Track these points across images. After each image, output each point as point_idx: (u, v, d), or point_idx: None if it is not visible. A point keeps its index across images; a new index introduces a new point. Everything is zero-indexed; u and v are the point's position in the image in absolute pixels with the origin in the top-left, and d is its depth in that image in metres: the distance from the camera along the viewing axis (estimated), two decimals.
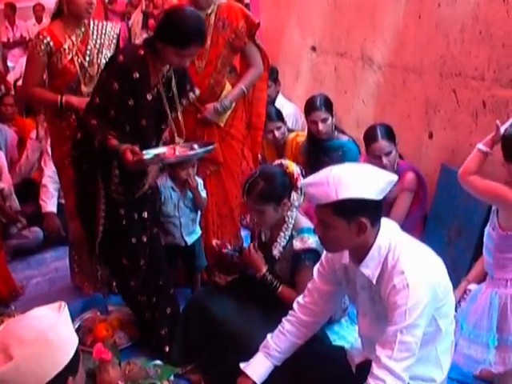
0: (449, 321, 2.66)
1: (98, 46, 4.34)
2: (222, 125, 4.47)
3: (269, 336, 2.93)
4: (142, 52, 3.36)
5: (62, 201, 5.75)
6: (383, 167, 3.84)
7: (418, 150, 4.83)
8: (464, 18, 4.28)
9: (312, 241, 3.33)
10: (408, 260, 2.51)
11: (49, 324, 1.95)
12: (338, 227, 2.50)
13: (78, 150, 3.56)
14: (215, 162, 4.48)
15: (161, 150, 3.58)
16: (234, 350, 3.22)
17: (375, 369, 2.45)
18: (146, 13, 10.77)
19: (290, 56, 6.91)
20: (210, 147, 3.65)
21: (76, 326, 3.81)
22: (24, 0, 13.16)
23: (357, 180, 2.45)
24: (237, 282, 3.71)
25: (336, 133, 4.96)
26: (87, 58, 4.29)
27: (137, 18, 11.15)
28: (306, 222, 3.46)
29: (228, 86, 4.44)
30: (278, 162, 3.61)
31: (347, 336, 3.49)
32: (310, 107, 4.94)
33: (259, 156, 6.10)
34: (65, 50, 4.24)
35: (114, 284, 4.43)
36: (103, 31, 4.39)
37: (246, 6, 9.62)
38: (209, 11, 4.24)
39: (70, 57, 4.24)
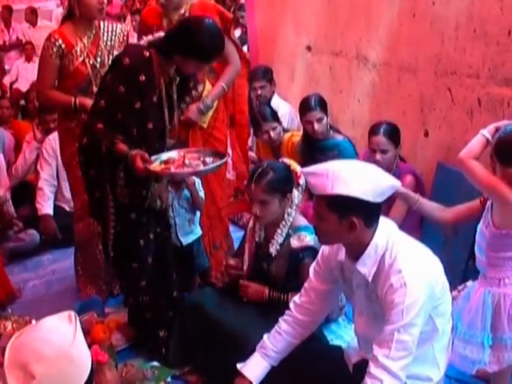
0: (446, 320, 2.66)
1: (108, 47, 4.38)
2: (205, 126, 4.48)
3: (265, 336, 2.93)
4: (148, 54, 3.35)
5: (58, 203, 5.78)
6: (375, 162, 3.97)
7: (413, 149, 4.82)
8: (458, 16, 4.27)
9: (309, 238, 3.33)
10: (405, 259, 2.51)
11: (68, 339, 1.94)
12: (330, 221, 2.52)
13: (85, 155, 3.54)
14: None
15: (170, 154, 3.55)
16: (230, 350, 3.22)
17: (372, 368, 2.45)
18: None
19: (285, 56, 6.90)
20: (223, 160, 3.59)
21: None
22: (19, 2, 13.17)
23: (356, 179, 2.45)
24: (233, 283, 3.70)
25: (331, 132, 4.96)
26: (98, 60, 4.33)
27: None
28: (302, 221, 3.46)
29: (208, 86, 4.42)
30: (280, 160, 3.65)
31: (344, 335, 3.48)
32: (304, 107, 4.93)
33: (254, 155, 6.14)
34: (76, 52, 4.27)
35: (118, 286, 4.44)
36: (113, 32, 4.43)
37: (241, 6, 9.64)
38: (182, 11, 4.24)
39: (81, 59, 4.28)
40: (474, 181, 3.04)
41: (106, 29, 4.42)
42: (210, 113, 4.47)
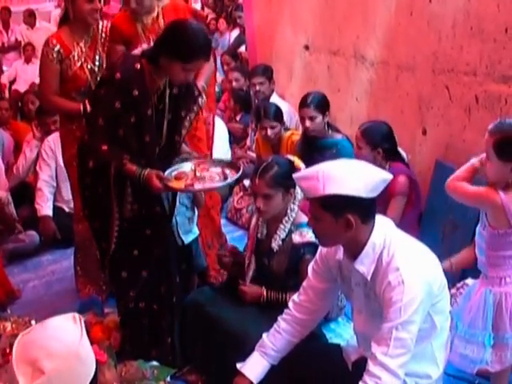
0: (444, 317, 2.66)
1: (106, 49, 4.37)
2: None
3: (264, 335, 2.93)
4: (139, 66, 3.29)
5: (57, 204, 5.79)
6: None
7: (411, 147, 4.82)
8: (455, 14, 4.28)
9: (311, 235, 3.32)
10: (403, 257, 2.51)
11: (76, 338, 1.96)
12: (326, 221, 2.53)
13: (92, 178, 3.45)
14: None
15: (179, 169, 3.53)
16: (230, 349, 3.23)
17: (371, 366, 2.46)
18: None
19: (283, 55, 6.91)
20: (239, 174, 3.56)
21: None
22: (18, 4, 13.18)
23: (346, 177, 2.47)
24: (232, 282, 3.70)
25: (330, 131, 4.96)
26: (97, 63, 4.34)
27: None
28: (304, 218, 3.47)
29: None
30: (285, 156, 3.70)
31: (343, 334, 3.49)
32: (300, 103, 4.99)
33: (252, 154, 6.16)
34: (74, 57, 4.28)
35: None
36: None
37: (239, 6, 9.65)
38: (154, 14, 4.21)
39: (79, 64, 4.29)
40: (463, 199, 3.12)
41: (103, 29, 4.41)
42: None
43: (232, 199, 6.24)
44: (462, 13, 4.22)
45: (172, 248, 3.79)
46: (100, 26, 4.40)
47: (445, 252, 3.87)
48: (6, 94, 9.91)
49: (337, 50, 5.81)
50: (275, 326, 2.93)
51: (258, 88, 6.41)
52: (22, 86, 10.09)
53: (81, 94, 4.32)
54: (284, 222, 3.43)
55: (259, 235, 3.60)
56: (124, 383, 3.00)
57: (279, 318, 2.94)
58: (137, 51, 3.42)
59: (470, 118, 4.26)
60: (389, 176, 2.58)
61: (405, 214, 4.25)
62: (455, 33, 4.30)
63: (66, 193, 5.50)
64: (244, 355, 2.95)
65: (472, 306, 3.12)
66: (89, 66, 4.30)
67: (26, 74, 10.64)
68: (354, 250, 2.60)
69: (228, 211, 6.17)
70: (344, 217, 2.49)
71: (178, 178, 3.46)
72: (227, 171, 3.52)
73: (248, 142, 6.78)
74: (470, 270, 3.49)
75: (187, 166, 3.54)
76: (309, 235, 3.35)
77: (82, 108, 4.23)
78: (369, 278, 2.58)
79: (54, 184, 5.79)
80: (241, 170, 3.54)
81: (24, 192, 6.07)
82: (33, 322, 3.54)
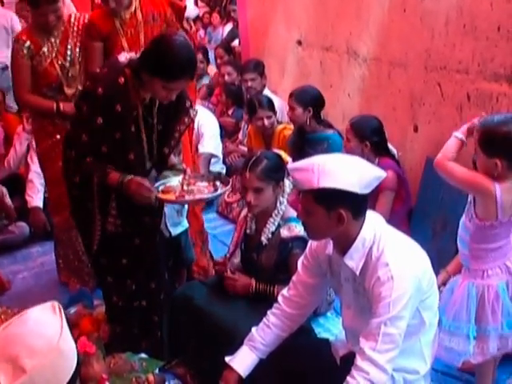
0: (433, 313, 2.67)
1: (78, 43, 4.33)
2: None
3: (253, 329, 2.94)
4: (123, 80, 3.16)
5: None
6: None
7: (403, 143, 4.84)
8: (448, 11, 4.29)
9: (299, 229, 3.34)
10: (392, 252, 2.52)
11: (56, 331, 1.93)
12: (318, 215, 2.53)
13: (79, 191, 3.36)
14: None
15: (166, 183, 3.48)
16: (219, 342, 3.23)
17: (359, 361, 2.47)
18: None
19: (275, 50, 6.91)
20: (229, 186, 3.56)
21: None
22: None
23: (341, 171, 2.46)
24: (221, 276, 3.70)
25: (321, 126, 4.99)
26: (68, 59, 4.30)
27: None
28: (292, 212, 3.48)
29: None
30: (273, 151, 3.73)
31: (332, 329, 3.49)
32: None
33: (244, 148, 6.18)
34: (44, 53, 4.24)
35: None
36: (84, 26, 4.34)
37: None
38: (133, 9, 4.14)
39: (49, 60, 4.25)
40: (454, 180, 3.08)
41: (75, 23, 4.36)
42: None
43: None
44: (455, 10, 4.23)
45: (161, 244, 3.74)
46: (72, 19, 4.36)
47: (435, 249, 3.90)
48: None
49: (329, 46, 5.82)
50: (264, 319, 2.93)
51: (249, 84, 6.44)
52: None
53: (52, 90, 4.34)
54: (274, 215, 3.44)
55: (248, 231, 3.61)
56: (112, 375, 3.00)
57: (268, 312, 2.94)
58: (123, 59, 3.27)
59: (462, 115, 4.27)
60: (382, 173, 2.58)
61: (394, 210, 4.26)
62: (448, 30, 4.31)
63: None
64: (233, 349, 2.95)
65: (456, 299, 3.12)
66: (59, 62, 4.28)
67: None
68: (344, 244, 2.61)
69: (219, 205, 6.17)
70: (336, 211, 2.49)
71: (165, 192, 3.42)
72: (217, 183, 3.51)
73: (240, 136, 6.79)
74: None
75: (174, 180, 3.51)
76: (297, 229, 3.36)
77: (54, 107, 4.25)
78: (358, 272, 2.58)
79: None
80: (230, 183, 3.56)
81: (15, 184, 6.04)
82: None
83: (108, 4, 4.07)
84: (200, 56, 7.84)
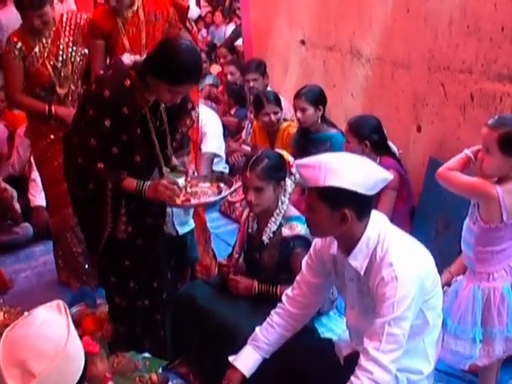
0: (436, 313, 2.67)
1: (70, 43, 4.32)
2: None
3: (257, 329, 2.94)
4: (129, 82, 3.16)
5: None
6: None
7: (406, 143, 4.84)
8: (452, 12, 4.28)
9: (301, 228, 3.35)
10: (397, 252, 2.52)
11: (63, 334, 1.92)
12: (322, 212, 2.52)
13: (89, 197, 3.33)
14: None
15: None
16: (222, 342, 3.23)
17: (363, 361, 2.47)
18: None
19: (278, 50, 6.91)
20: (237, 186, 3.56)
21: None
22: None
23: (348, 171, 2.46)
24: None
25: (325, 125, 4.99)
26: (60, 59, 4.29)
27: None
28: (294, 211, 3.48)
29: None
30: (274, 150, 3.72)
31: (335, 328, 3.49)
32: (295, 94, 5.09)
33: (247, 147, 6.17)
34: (36, 53, 4.24)
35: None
36: (77, 25, 4.36)
37: None
38: (135, 7, 4.15)
39: (41, 61, 4.25)
40: (455, 188, 3.09)
41: (68, 22, 4.35)
42: None
43: None
44: (458, 11, 4.22)
45: (163, 243, 3.74)
46: (64, 19, 4.35)
47: (437, 249, 3.89)
48: None
49: (333, 46, 5.81)
50: (268, 319, 2.93)
51: (251, 84, 6.44)
52: None
53: (45, 90, 4.34)
54: (275, 214, 3.44)
55: (250, 230, 3.61)
56: (116, 374, 3.00)
57: (272, 312, 2.94)
58: (128, 61, 3.27)
59: (465, 115, 4.27)
60: (389, 175, 2.57)
61: (396, 210, 4.26)
62: (451, 31, 4.31)
63: None
64: (236, 348, 2.95)
65: (461, 303, 3.12)
66: (51, 63, 4.27)
67: None
68: (348, 244, 2.61)
69: (221, 204, 6.16)
70: (340, 210, 2.49)
71: None
72: (221, 185, 3.52)
73: (243, 135, 6.79)
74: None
75: (178, 182, 3.50)
76: (298, 228, 3.37)
77: (46, 109, 4.26)
78: (362, 272, 2.58)
79: None
80: (234, 184, 3.54)
81: (18, 183, 6.05)
82: (25, 313, 3.53)
83: (109, 2, 4.08)
84: (203, 56, 7.84)
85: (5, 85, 4.60)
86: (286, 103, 6.27)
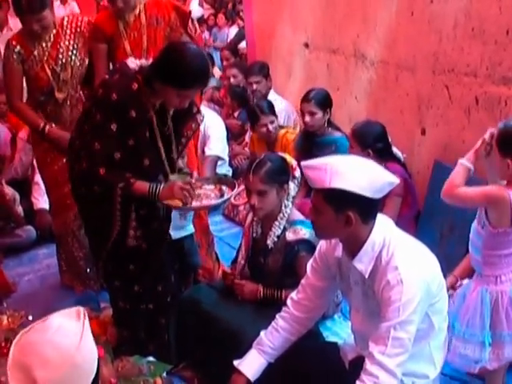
0: (442, 317, 2.66)
1: (70, 47, 4.31)
2: None
3: (262, 333, 2.93)
4: (136, 86, 3.16)
5: None
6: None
7: (410, 146, 4.83)
8: (457, 15, 4.28)
9: (305, 232, 3.34)
10: (402, 256, 2.51)
11: (74, 343, 1.90)
12: (326, 214, 2.53)
13: (95, 203, 3.30)
14: None
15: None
16: (227, 346, 3.22)
17: (368, 365, 2.46)
18: None
19: (282, 52, 6.91)
20: (240, 189, 3.55)
21: None
22: None
23: (354, 174, 2.46)
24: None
25: (329, 129, 4.98)
26: (59, 62, 4.28)
27: None
28: (298, 215, 3.48)
29: None
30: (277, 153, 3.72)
31: (340, 332, 3.48)
32: (302, 98, 5.04)
33: (247, 150, 6.17)
34: (35, 57, 4.23)
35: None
36: (77, 29, 4.34)
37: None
38: (137, 11, 4.14)
39: (40, 64, 4.24)
40: (468, 203, 3.11)
41: (68, 26, 4.33)
42: None
43: None
44: (463, 13, 4.22)
45: (167, 247, 3.73)
46: (65, 22, 4.33)
47: (442, 252, 3.88)
48: None
49: (336, 49, 5.81)
50: (273, 323, 2.93)
51: (254, 87, 6.43)
52: None
53: (44, 95, 4.33)
54: (279, 218, 3.43)
55: (254, 234, 3.61)
56: (120, 379, 2.99)
57: (277, 316, 2.94)
58: (133, 65, 3.26)
59: (470, 118, 4.27)
60: (395, 180, 2.57)
61: (401, 215, 4.25)
62: (456, 33, 4.31)
63: None
64: (241, 352, 2.94)
65: (469, 306, 3.12)
66: (50, 66, 4.26)
67: None
68: (353, 247, 2.60)
69: (225, 208, 6.15)
70: (345, 213, 2.49)
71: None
72: (223, 187, 3.51)
73: (246, 138, 6.78)
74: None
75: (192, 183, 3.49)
76: (302, 232, 3.36)
77: (40, 127, 4.28)
78: (366, 275, 2.58)
79: None
80: (236, 187, 3.52)
81: (21, 186, 6.04)
82: (30, 317, 3.53)
83: (116, 4, 4.06)
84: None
85: (5, 89, 4.58)
86: (289, 106, 6.27)
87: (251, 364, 2.88)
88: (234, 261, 3.78)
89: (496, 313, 3.04)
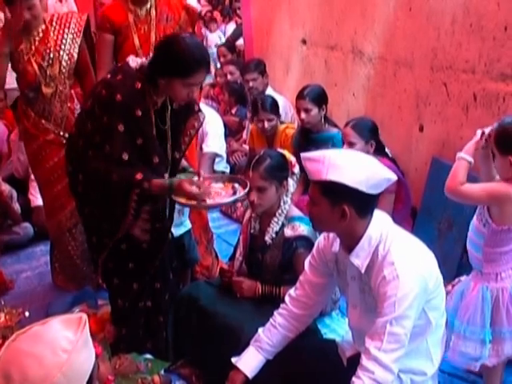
0: (439, 313, 2.66)
1: (59, 41, 4.30)
2: None
3: (260, 330, 2.93)
4: (139, 85, 3.15)
5: None
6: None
7: (408, 143, 4.83)
8: (455, 11, 4.28)
9: (303, 228, 3.34)
10: (399, 251, 2.52)
11: (60, 362, 1.87)
12: (322, 206, 2.54)
13: (106, 201, 3.29)
14: None
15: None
16: (225, 343, 3.22)
17: (364, 360, 2.47)
18: None
19: (279, 49, 6.90)
20: (248, 188, 3.52)
21: None
22: None
23: (351, 168, 2.47)
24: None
25: (326, 125, 4.97)
26: (46, 58, 4.27)
27: None
28: (296, 212, 3.48)
29: None
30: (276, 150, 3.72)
31: (338, 329, 3.47)
32: (297, 95, 5.03)
33: (246, 147, 6.16)
34: (22, 51, 4.22)
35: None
36: (67, 25, 4.33)
37: None
38: (148, 6, 4.16)
39: (27, 58, 4.23)
40: (472, 200, 3.07)
41: (58, 22, 4.33)
42: None
43: None
44: (461, 10, 4.21)
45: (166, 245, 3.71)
46: (55, 19, 4.33)
47: (440, 249, 3.89)
48: None
49: (334, 45, 5.81)
50: (271, 320, 2.92)
51: (251, 84, 6.41)
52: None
53: (32, 90, 4.32)
54: (277, 214, 3.43)
55: (252, 231, 3.60)
56: (118, 376, 2.98)
57: (275, 313, 2.94)
58: (134, 64, 3.25)
59: (468, 115, 4.26)
60: (393, 176, 2.57)
61: (396, 211, 4.24)
62: (454, 30, 4.30)
63: None
64: (239, 350, 2.95)
65: (469, 303, 3.11)
66: (37, 61, 4.26)
67: None
68: (350, 242, 2.61)
69: None
70: (340, 206, 2.50)
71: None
72: (236, 185, 3.48)
73: (244, 134, 6.78)
74: (466, 266, 3.48)
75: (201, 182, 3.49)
76: (301, 229, 3.36)
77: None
78: (363, 270, 2.58)
79: None
80: (248, 185, 3.44)
81: (18, 183, 6.05)
82: (26, 313, 3.52)
83: None
84: None
85: None
86: (287, 102, 6.27)
87: (249, 361, 2.88)
88: (232, 257, 3.78)
89: (496, 310, 3.04)
